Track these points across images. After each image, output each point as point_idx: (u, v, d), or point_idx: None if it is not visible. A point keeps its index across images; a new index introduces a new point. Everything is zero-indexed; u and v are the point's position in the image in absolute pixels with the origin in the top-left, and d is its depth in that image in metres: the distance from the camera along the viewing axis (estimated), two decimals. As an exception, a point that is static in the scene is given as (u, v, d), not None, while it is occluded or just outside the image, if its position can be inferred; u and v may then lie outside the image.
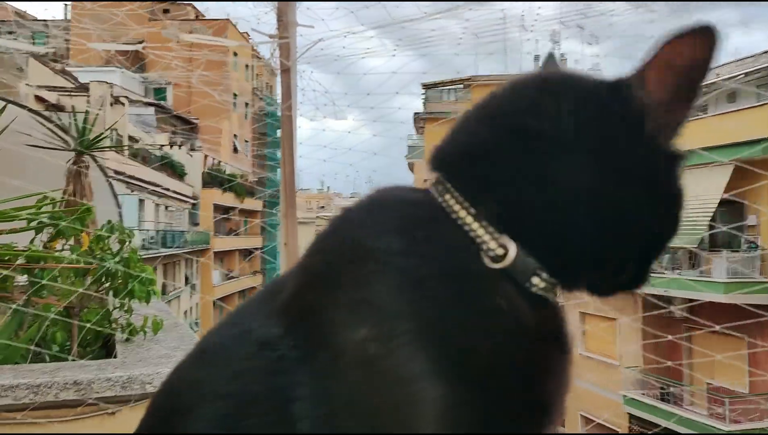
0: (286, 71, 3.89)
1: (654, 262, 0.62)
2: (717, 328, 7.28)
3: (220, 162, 31.58)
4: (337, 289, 0.56)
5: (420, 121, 25.45)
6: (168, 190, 24.61)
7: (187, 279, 27.20)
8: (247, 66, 35.27)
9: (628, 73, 0.59)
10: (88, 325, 2.34)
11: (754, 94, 15.27)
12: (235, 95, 32.54)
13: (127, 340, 2.43)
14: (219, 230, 29.43)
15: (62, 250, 2.67)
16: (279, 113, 4.60)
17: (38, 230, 2.56)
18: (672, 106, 0.58)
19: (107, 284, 2.48)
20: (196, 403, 0.56)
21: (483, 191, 0.59)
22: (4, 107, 3.01)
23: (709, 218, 13.54)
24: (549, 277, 0.58)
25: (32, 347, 2.28)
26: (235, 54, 26.27)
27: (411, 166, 25.30)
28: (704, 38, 0.56)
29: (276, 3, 3.84)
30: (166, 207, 25.71)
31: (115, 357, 2.29)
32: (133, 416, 1.89)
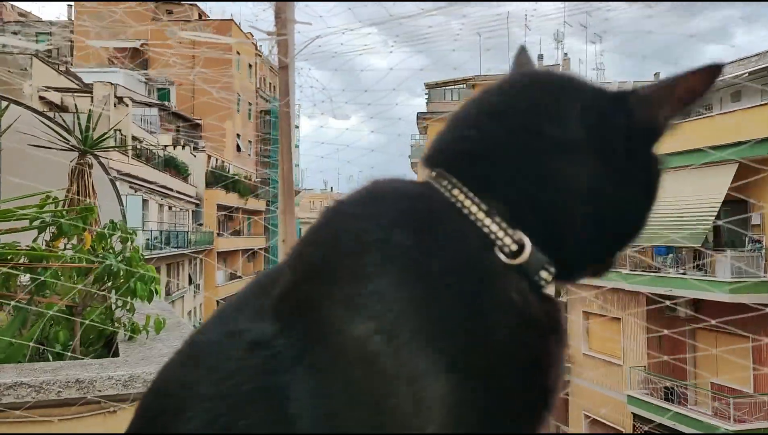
0: (284, 68, 3.89)
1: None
2: (714, 322, 7.26)
3: (223, 162, 31.62)
4: (334, 283, 0.55)
5: (423, 120, 25.42)
6: (171, 190, 24.67)
7: (190, 279, 27.23)
8: (250, 65, 35.30)
9: (634, 88, 0.64)
10: (88, 322, 2.35)
11: (758, 92, 15.25)
12: (238, 95, 32.56)
13: (130, 338, 2.44)
14: (223, 230, 29.45)
15: (65, 249, 2.68)
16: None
17: (41, 229, 2.57)
18: (667, 122, 0.63)
19: (109, 283, 2.49)
20: (188, 404, 0.55)
21: (489, 189, 0.59)
22: (7, 107, 3.02)
23: (714, 217, 13.52)
24: (554, 271, 0.59)
25: (35, 345, 2.28)
26: (238, 53, 26.29)
27: (414, 166, 25.25)
28: (713, 75, 0.61)
29: (274, 0, 3.84)
30: (170, 207, 25.77)
31: (117, 356, 2.30)
32: (135, 414, 1.89)
